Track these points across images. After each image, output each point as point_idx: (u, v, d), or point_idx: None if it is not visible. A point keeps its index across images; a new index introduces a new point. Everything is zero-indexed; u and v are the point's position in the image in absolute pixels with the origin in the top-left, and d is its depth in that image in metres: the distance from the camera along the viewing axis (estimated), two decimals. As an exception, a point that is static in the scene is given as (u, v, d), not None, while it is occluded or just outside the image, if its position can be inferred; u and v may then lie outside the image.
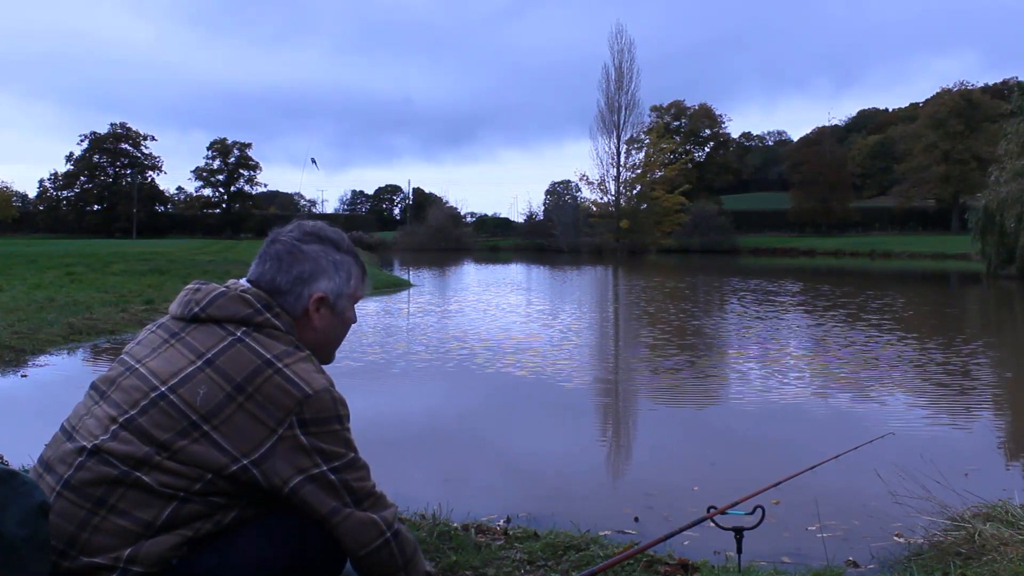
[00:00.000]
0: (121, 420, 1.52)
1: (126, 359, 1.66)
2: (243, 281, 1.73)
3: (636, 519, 3.73)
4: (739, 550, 2.54)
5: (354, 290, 1.82)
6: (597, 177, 60.80)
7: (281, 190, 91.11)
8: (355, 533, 1.60)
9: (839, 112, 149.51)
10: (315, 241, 1.76)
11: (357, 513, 1.59)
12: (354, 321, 1.86)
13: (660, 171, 59.29)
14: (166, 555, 1.50)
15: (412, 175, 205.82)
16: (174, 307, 1.70)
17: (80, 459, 1.51)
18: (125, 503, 1.48)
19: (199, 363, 1.55)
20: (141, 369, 1.59)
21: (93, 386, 1.67)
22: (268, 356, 1.56)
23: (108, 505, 1.48)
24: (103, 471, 1.49)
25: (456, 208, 69.69)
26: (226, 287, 1.68)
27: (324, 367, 1.75)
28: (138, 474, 1.48)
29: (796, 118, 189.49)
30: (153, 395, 1.53)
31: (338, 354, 1.86)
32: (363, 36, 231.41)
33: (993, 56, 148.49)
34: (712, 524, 2.54)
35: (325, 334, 1.77)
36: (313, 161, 65.15)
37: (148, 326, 1.76)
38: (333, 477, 1.56)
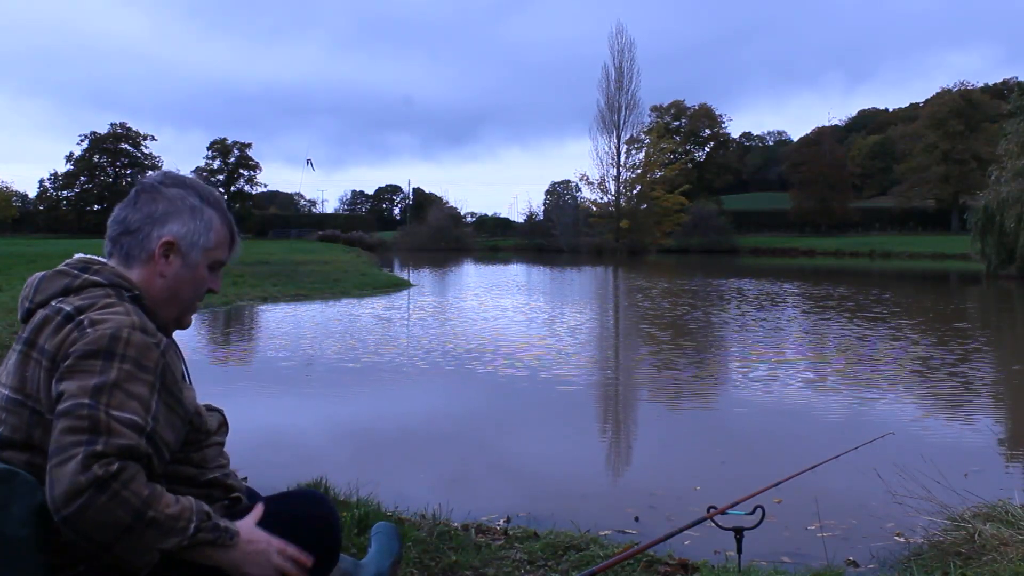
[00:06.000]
0: None
1: None
2: (77, 254, 1.64)
3: (636, 519, 3.73)
4: (739, 550, 2.55)
5: (213, 245, 1.64)
6: (597, 177, 60.81)
7: (281, 190, 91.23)
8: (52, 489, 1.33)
9: (845, 110, 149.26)
10: (177, 185, 1.63)
11: (54, 468, 1.32)
12: (211, 287, 1.67)
13: (660, 171, 59.25)
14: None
15: (412, 174, 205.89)
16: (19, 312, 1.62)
17: None
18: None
19: (23, 348, 1.49)
20: None
21: None
22: (69, 311, 1.47)
23: None
24: None
25: (456, 208, 69.73)
26: (54, 269, 1.60)
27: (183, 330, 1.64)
28: (44, 486, 1.41)
29: (807, 115, 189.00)
30: (3, 403, 1.49)
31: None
32: (362, 31, 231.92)
33: (1011, 51, 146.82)
34: (712, 524, 2.54)
35: (173, 286, 1.61)
36: (309, 162, 65.18)
37: None
38: (53, 422, 1.36)
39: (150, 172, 1.67)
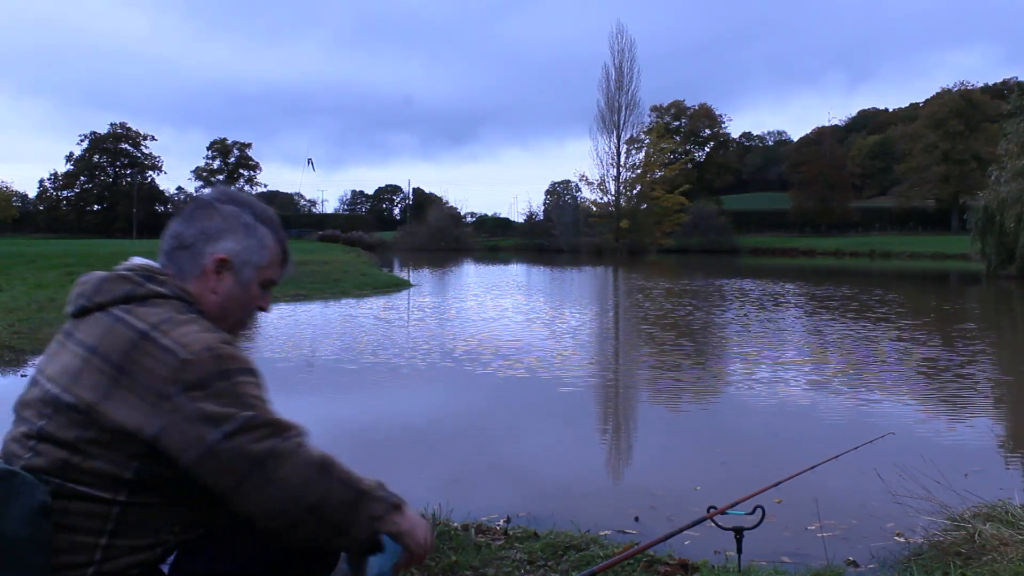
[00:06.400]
0: (33, 434, 1.48)
1: (34, 374, 1.60)
2: (134, 259, 1.65)
3: (636, 519, 3.73)
4: (739, 550, 2.55)
5: (266, 263, 1.66)
6: (597, 177, 60.94)
7: (281, 190, 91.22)
8: (261, 509, 1.45)
9: (845, 110, 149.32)
10: (231, 202, 1.66)
11: (249, 486, 1.43)
12: (262, 305, 1.70)
13: (660, 171, 59.33)
14: (137, 567, 1.46)
15: (412, 174, 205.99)
16: (67, 306, 1.61)
17: None
18: (71, 517, 1.43)
19: (84, 353, 1.48)
20: (41, 379, 1.54)
21: (13, 409, 1.60)
22: (143, 327, 1.46)
23: (54, 522, 1.43)
24: None
25: (456, 208, 69.85)
26: (113, 270, 1.60)
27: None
28: (71, 485, 1.43)
29: (807, 115, 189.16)
30: (50, 399, 1.48)
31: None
32: (362, 31, 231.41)
33: (1011, 51, 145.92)
34: (712, 524, 2.54)
35: (224, 303, 1.63)
36: (310, 162, 65.30)
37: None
38: (225, 445, 1.41)
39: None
